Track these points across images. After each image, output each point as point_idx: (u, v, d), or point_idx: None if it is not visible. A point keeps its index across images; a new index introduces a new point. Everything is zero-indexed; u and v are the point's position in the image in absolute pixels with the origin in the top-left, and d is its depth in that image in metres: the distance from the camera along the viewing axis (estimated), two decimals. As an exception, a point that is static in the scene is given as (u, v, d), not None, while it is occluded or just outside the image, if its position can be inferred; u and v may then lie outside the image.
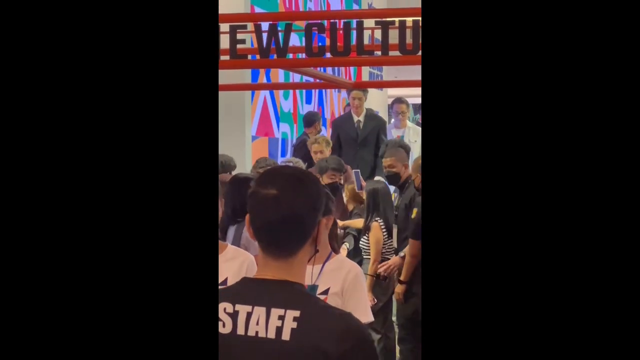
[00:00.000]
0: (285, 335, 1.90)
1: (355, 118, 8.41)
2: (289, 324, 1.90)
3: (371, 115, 8.54)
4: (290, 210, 1.95)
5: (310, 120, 8.89)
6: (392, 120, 9.44)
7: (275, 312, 1.93)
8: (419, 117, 12.63)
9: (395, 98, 9.14)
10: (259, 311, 1.91)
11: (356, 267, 3.44)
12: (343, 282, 3.35)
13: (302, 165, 6.76)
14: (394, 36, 5.30)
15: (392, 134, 8.78)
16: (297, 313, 1.93)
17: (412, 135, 8.73)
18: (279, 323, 1.91)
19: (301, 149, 8.44)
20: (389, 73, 12.95)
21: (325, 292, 3.33)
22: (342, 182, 6.30)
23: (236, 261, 3.39)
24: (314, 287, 3.32)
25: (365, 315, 3.33)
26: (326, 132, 10.87)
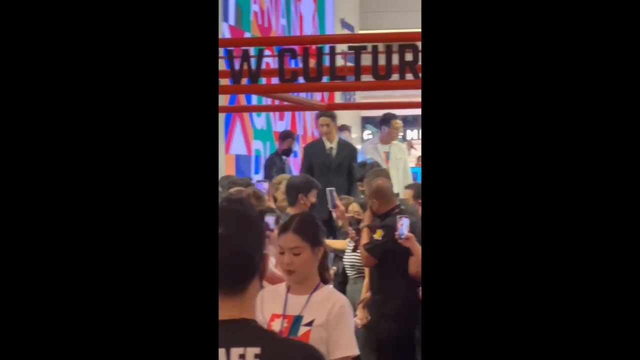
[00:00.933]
0: None
1: (328, 145, 8.36)
2: None
3: (343, 143, 8.49)
4: (238, 247, 1.96)
5: (284, 139, 8.92)
6: (376, 134, 9.29)
7: (236, 351, 1.94)
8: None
9: (386, 113, 8.88)
10: (220, 352, 1.92)
11: (343, 300, 3.41)
12: (328, 314, 3.31)
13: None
14: (366, 59, 5.34)
15: (378, 149, 8.53)
16: (257, 350, 1.95)
17: (397, 152, 8.55)
18: None
19: (271, 168, 8.47)
20: (361, 93, 13.00)
21: (310, 323, 3.29)
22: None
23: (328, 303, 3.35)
24: (299, 318, 3.30)
25: (349, 349, 3.30)
26: (298, 149, 10.89)
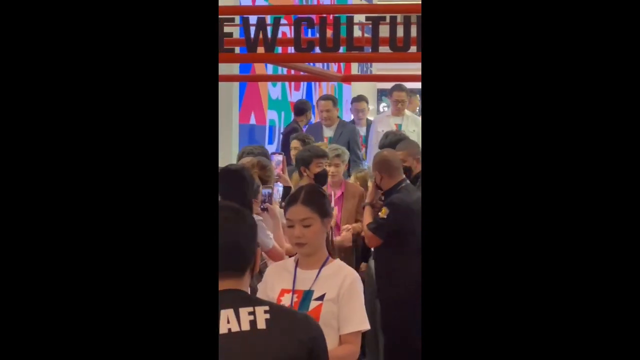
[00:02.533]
0: (261, 325, 2.17)
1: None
2: (262, 316, 2.18)
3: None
4: (233, 238, 2.20)
5: (301, 109, 8.84)
6: (390, 107, 9.22)
7: (244, 310, 2.18)
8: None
9: (395, 85, 8.82)
10: (227, 312, 2.15)
11: (353, 274, 3.38)
12: (339, 288, 3.29)
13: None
14: (384, 31, 5.26)
15: (390, 122, 8.48)
16: (266, 307, 2.24)
17: (410, 124, 8.46)
18: (251, 317, 2.17)
19: (288, 138, 8.41)
20: (377, 65, 12.89)
21: (321, 297, 3.27)
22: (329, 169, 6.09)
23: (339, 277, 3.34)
24: (309, 293, 3.29)
25: (360, 324, 3.28)
26: (313, 120, 10.83)
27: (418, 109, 10.47)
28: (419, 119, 8.60)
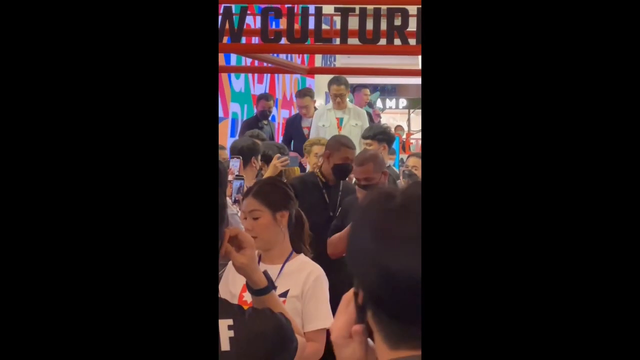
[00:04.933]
0: (225, 347, 2.03)
1: (305, 124, 8.31)
2: (225, 334, 2.04)
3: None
4: None
5: (265, 115, 8.78)
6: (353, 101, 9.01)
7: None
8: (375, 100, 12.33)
9: (332, 77, 8.43)
10: None
11: (318, 270, 3.29)
12: (303, 285, 3.21)
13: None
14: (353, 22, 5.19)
15: (330, 116, 8.01)
16: (229, 322, 2.06)
17: (353, 118, 8.04)
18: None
19: (248, 128, 8.37)
20: (341, 58, 12.83)
21: (284, 294, 3.18)
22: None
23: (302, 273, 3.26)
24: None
25: (325, 320, 3.20)
26: (277, 114, 10.75)
27: (369, 102, 10.31)
28: (364, 112, 8.34)
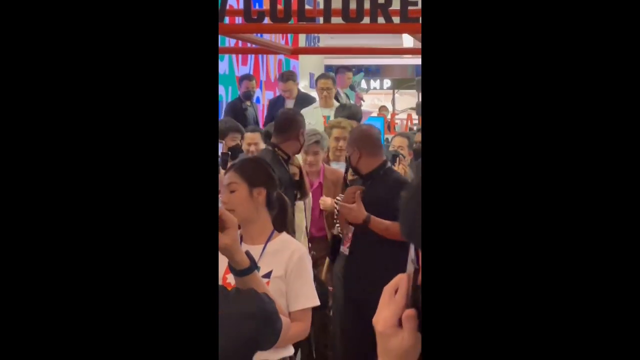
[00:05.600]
0: None
1: (288, 103, 8.27)
2: None
3: (301, 98, 8.36)
4: None
5: (248, 95, 8.76)
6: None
7: None
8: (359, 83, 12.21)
9: (321, 74, 8.33)
10: None
11: (301, 249, 3.28)
12: (286, 264, 3.18)
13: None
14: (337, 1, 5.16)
15: (317, 114, 7.67)
16: None
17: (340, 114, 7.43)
18: None
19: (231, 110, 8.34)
20: (325, 39, 12.79)
21: (268, 275, 3.16)
22: None
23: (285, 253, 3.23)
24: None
25: (310, 300, 3.19)
26: (261, 95, 10.69)
27: (351, 86, 10.22)
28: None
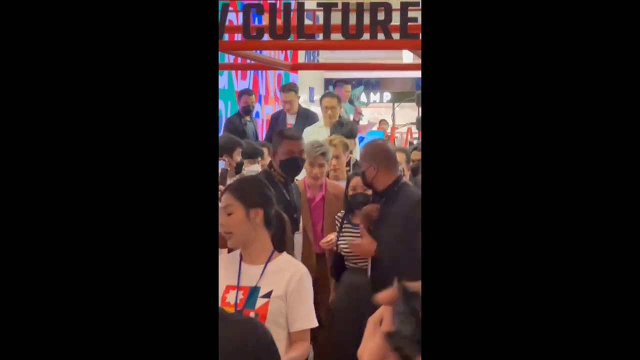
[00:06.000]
0: None
1: (290, 118, 8.24)
2: None
3: (303, 114, 8.34)
4: None
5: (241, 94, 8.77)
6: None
7: None
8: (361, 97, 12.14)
9: (326, 92, 8.29)
10: None
11: (301, 269, 3.25)
12: (287, 285, 3.16)
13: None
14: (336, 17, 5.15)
15: (323, 134, 7.29)
16: None
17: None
18: None
19: (230, 125, 8.32)
20: (324, 54, 12.79)
21: (268, 295, 3.14)
22: None
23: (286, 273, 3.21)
24: (255, 289, 3.16)
25: (309, 321, 3.18)
26: (261, 110, 10.68)
27: (350, 100, 10.17)
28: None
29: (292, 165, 4.64)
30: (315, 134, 7.35)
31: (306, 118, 8.25)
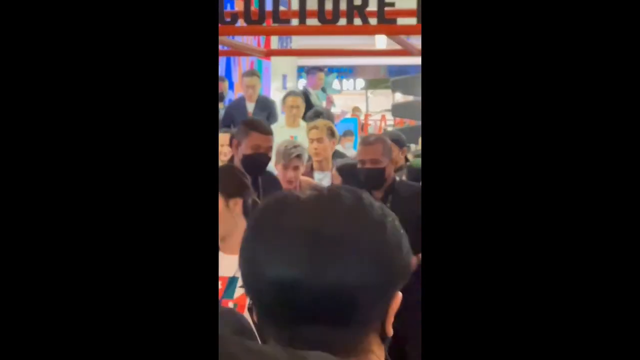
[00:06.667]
0: None
1: (249, 106, 8.14)
2: None
3: (262, 102, 8.26)
4: None
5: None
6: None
7: None
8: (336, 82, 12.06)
9: (289, 91, 8.12)
10: None
11: None
12: (266, 275, 3.13)
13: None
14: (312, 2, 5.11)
15: (284, 134, 7.08)
16: None
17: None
18: None
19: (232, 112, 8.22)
20: (297, 40, 12.75)
21: (247, 286, 3.11)
22: None
23: None
24: (234, 279, 3.14)
25: None
26: (233, 97, 10.63)
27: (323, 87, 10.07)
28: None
29: (256, 162, 4.25)
30: (277, 134, 6.51)
31: (264, 107, 8.15)
